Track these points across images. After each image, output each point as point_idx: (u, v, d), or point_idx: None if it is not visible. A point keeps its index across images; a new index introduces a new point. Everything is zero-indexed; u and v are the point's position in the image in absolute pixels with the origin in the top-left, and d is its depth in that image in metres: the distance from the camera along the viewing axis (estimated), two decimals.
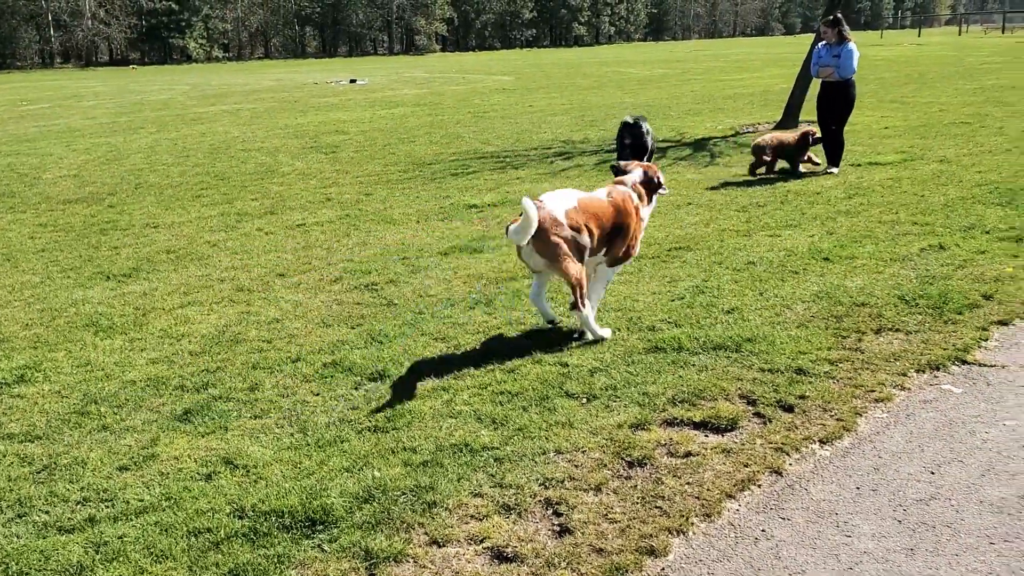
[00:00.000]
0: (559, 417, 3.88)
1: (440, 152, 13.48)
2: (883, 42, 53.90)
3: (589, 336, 4.81)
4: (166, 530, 3.12)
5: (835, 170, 9.87)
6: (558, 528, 3.04)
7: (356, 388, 4.35)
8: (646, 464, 3.45)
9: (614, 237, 4.94)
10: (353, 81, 33.78)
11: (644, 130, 9.24)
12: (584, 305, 4.70)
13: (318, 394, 4.32)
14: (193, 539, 3.06)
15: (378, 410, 4.03)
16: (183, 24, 70.39)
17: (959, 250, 6.21)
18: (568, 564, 2.83)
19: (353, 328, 5.28)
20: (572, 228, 4.66)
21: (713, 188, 9.50)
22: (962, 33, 63.76)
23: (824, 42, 9.89)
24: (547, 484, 3.31)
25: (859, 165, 10.14)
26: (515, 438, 3.69)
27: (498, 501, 3.21)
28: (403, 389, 4.28)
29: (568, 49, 79.27)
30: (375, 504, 3.22)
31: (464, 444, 3.64)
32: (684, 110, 18.52)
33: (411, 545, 2.98)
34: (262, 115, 21.02)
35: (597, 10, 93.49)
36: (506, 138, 15.31)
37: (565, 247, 4.62)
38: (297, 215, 8.96)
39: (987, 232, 6.66)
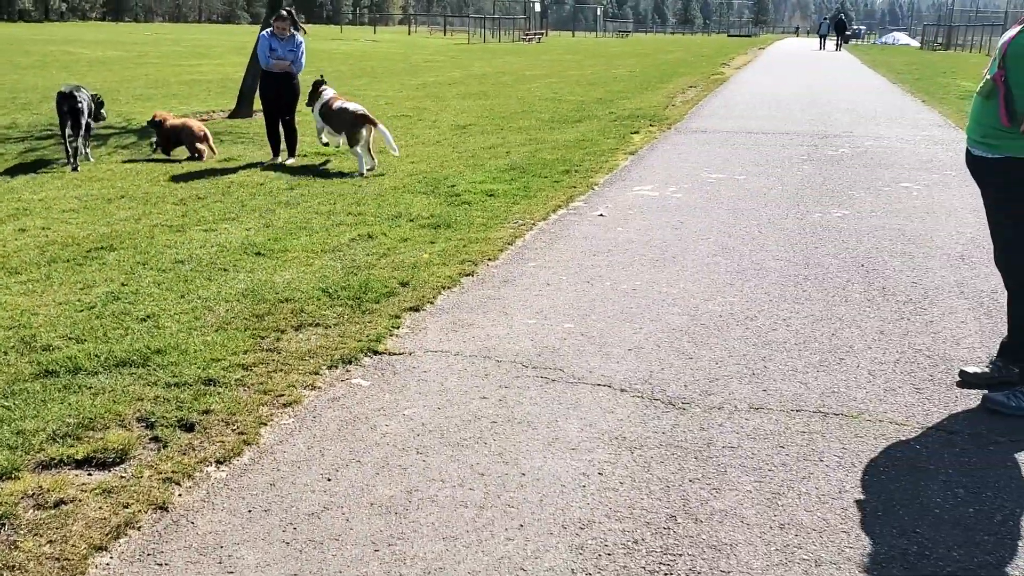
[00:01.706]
0: None
1: None
2: (343, 37, 56.47)
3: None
4: None
5: (292, 160, 9.82)
6: None
7: None
8: (4, 525, 2.82)
9: None
10: None
11: (81, 98, 9.27)
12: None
13: None
14: None
15: None
16: None
17: (385, 239, 6.42)
18: None
19: None
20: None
21: (153, 179, 8.80)
22: (411, 33, 69.49)
23: (271, 32, 9.70)
24: None
25: (305, 156, 10.18)
26: None
27: None
28: None
29: (11, 24, 69.75)
30: None
31: None
32: (134, 95, 17.22)
33: None
34: None
35: None
36: None
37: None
38: None
39: (412, 220, 7.01)
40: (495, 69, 27.44)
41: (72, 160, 9.33)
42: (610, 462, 3.28)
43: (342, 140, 9.30)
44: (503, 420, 3.61)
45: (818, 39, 54.44)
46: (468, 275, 5.62)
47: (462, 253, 6.07)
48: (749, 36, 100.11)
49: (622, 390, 3.91)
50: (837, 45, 50.27)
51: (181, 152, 10.24)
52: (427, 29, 78.64)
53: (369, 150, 9.29)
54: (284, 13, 9.78)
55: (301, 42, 9.65)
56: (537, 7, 65.12)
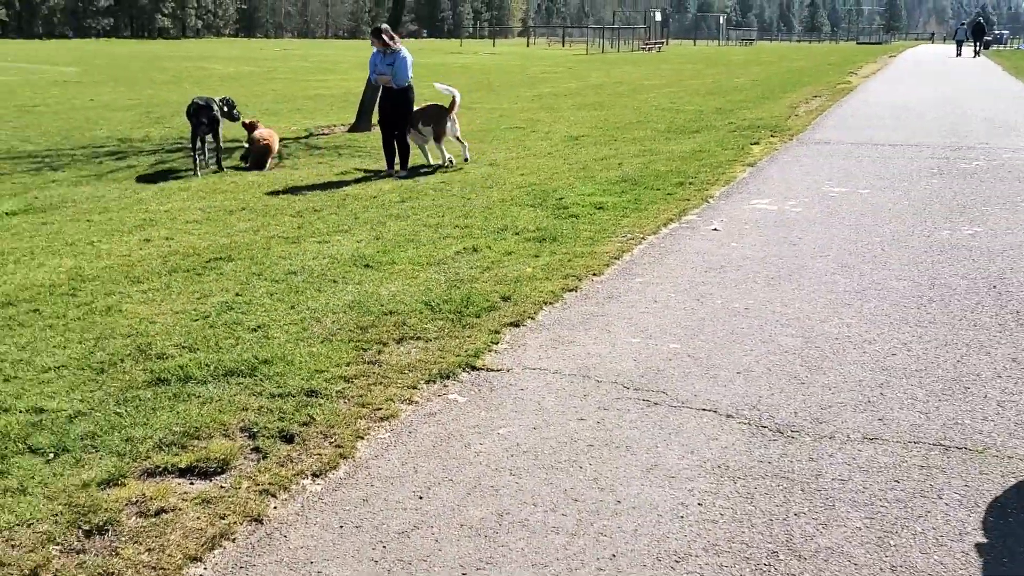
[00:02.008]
0: (11, 482, 3.19)
1: None
2: (463, 50, 57.39)
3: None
4: None
5: (403, 173, 10.00)
6: None
7: None
8: (107, 531, 2.91)
9: None
10: None
11: (215, 108, 10.42)
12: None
13: None
14: None
15: None
16: None
17: (490, 252, 6.41)
18: None
19: None
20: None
21: (273, 192, 9.08)
22: (530, 45, 69.99)
23: (376, 49, 10.00)
24: None
25: (421, 170, 10.32)
26: None
27: None
28: None
29: (152, 42, 74.14)
30: None
31: None
32: (262, 110, 17.88)
33: None
34: None
35: (183, 1, 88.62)
36: (52, 136, 13.61)
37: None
38: None
39: (517, 233, 6.98)
40: (612, 79, 27.29)
41: (216, 162, 10.61)
42: (711, 492, 3.13)
43: (431, 139, 10.41)
44: (600, 443, 3.52)
45: (955, 45, 51.91)
46: (571, 290, 5.54)
47: (566, 267, 5.99)
48: (879, 43, 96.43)
49: (728, 416, 3.75)
50: (976, 51, 47.83)
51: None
52: (546, 40, 79.06)
53: (459, 138, 10.65)
54: (376, 28, 10.13)
55: (399, 54, 9.85)
56: (658, 16, 64.50)
